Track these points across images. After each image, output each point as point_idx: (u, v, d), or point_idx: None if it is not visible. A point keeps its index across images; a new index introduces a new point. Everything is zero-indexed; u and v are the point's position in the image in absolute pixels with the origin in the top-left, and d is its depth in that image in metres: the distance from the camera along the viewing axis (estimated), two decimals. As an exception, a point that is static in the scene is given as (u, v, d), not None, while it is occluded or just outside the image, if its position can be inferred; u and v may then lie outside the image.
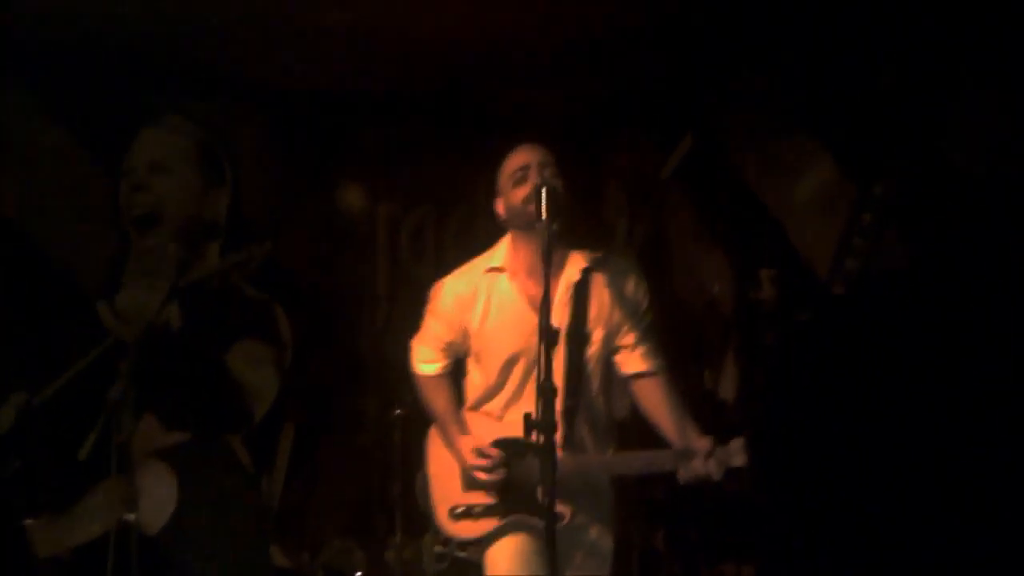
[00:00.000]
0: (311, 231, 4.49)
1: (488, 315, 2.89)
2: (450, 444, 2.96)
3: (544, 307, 2.56)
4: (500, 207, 2.92)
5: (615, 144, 5.28)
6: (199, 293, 2.73)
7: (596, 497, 2.94)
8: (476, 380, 3.01)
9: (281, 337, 2.85)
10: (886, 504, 3.56)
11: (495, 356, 2.90)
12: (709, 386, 4.48)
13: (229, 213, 3.62)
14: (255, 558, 2.60)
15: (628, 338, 2.93)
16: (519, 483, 2.86)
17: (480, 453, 2.88)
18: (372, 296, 4.54)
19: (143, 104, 3.98)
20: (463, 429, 2.97)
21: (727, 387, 4.48)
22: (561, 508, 2.70)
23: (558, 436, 2.52)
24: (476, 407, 3.01)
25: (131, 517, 2.32)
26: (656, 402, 2.91)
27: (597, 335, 2.86)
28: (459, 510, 2.90)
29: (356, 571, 3.74)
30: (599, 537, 2.92)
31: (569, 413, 2.78)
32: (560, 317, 2.73)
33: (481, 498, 2.87)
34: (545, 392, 2.50)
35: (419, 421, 3.14)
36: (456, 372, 3.09)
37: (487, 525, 2.89)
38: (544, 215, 2.60)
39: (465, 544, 3.01)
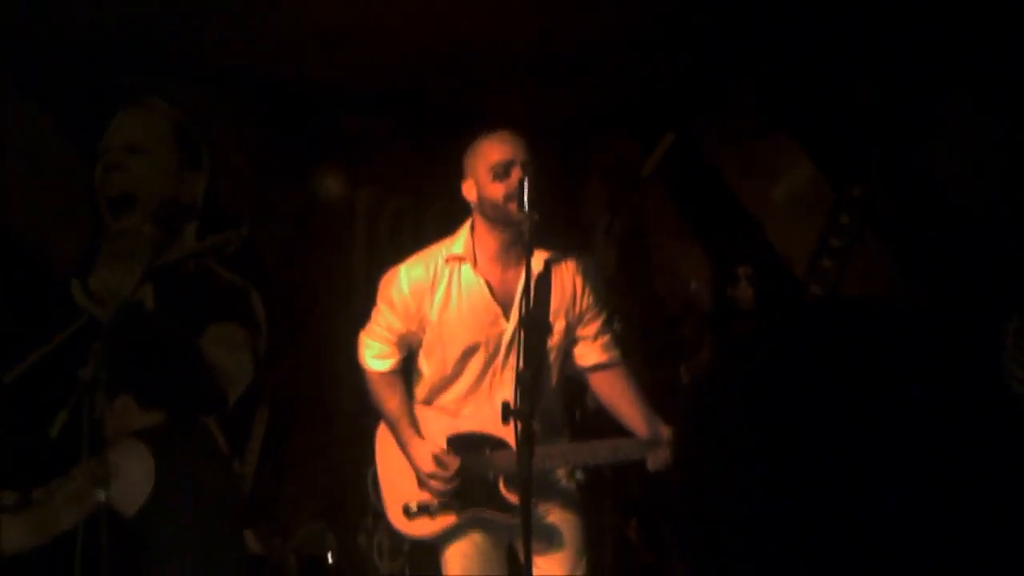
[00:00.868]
0: (288, 217, 4.45)
1: (448, 304, 2.79)
2: (404, 446, 2.83)
3: (525, 295, 2.55)
4: (471, 193, 2.79)
5: (596, 143, 5.29)
6: (174, 275, 2.70)
7: (552, 487, 2.90)
8: (427, 372, 2.88)
9: (256, 321, 2.82)
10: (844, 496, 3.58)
11: (452, 346, 2.80)
12: (685, 380, 4.50)
13: (205, 197, 3.59)
14: (229, 541, 2.58)
15: (589, 329, 2.89)
16: (477, 479, 2.77)
17: (438, 461, 2.76)
18: (348, 284, 4.52)
19: (120, 87, 3.94)
20: (417, 430, 2.83)
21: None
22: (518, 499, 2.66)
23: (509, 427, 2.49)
24: (429, 401, 2.90)
25: (102, 497, 2.29)
26: (619, 393, 2.88)
27: (559, 326, 2.84)
28: (414, 508, 2.81)
29: (327, 555, 3.71)
30: (560, 525, 2.86)
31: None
32: (523, 307, 2.71)
33: (436, 496, 2.80)
34: (523, 381, 2.49)
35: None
36: (406, 367, 2.93)
37: (443, 522, 2.80)
38: (527, 207, 2.59)
39: (419, 543, 2.91)
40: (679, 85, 4.67)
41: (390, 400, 2.87)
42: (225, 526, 2.57)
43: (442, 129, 4.71)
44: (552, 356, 2.84)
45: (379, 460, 2.95)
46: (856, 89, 4.13)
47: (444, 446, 2.84)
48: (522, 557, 2.37)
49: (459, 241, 2.83)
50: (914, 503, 3.42)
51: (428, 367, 2.90)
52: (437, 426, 2.86)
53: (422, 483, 2.80)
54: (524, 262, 2.57)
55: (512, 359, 2.74)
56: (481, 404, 2.84)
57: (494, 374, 2.82)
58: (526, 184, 2.57)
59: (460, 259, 2.81)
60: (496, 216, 2.74)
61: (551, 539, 2.83)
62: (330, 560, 3.71)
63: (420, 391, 2.93)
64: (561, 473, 2.93)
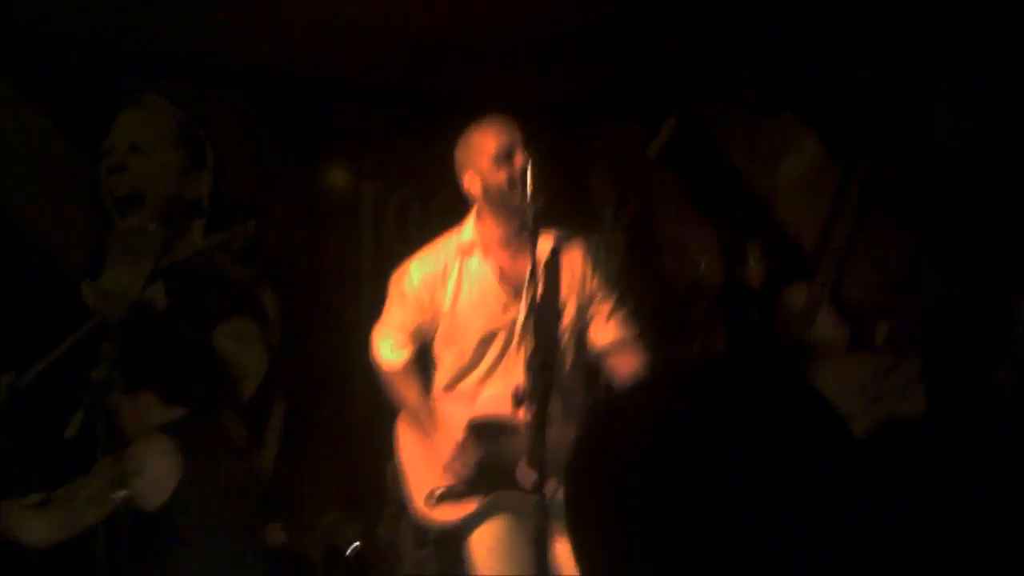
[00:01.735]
0: (294, 211, 4.44)
1: (460, 293, 2.79)
2: (428, 434, 2.85)
3: (532, 279, 2.54)
4: (474, 184, 2.77)
5: (599, 127, 5.26)
6: (183, 272, 2.71)
7: None
8: (448, 362, 2.88)
9: (267, 315, 2.85)
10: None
11: (470, 334, 2.80)
12: (697, 360, 4.49)
13: (211, 193, 3.60)
14: (250, 532, 2.59)
15: (602, 308, 2.87)
16: (498, 461, 2.80)
17: (461, 450, 2.77)
18: (357, 275, 4.51)
19: (121, 86, 3.93)
20: (435, 420, 2.86)
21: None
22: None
23: (522, 413, 2.48)
24: (450, 387, 2.90)
25: (122, 493, 2.30)
26: (634, 372, 2.84)
27: (570, 308, 2.82)
28: (439, 492, 2.81)
29: (350, 545, 3.72)
30: None
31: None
32: (532, 291, 2.70)
33: (461, 480, 2.80)
34: (534, 366, 2.48)
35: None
36: (420, 359, 2.91)
37: (467, 507, 2.80)
38: (530, 192, 2.57)
39: (445, 529, 2.88)
40: (682, 67, 4.65)
41: (408, 393, 2.88)
42: (247, 518, 2.58)
43: (444, 118, 4.69)
44: (565, 339, 2.83)
45: (401, 451, 2.95)
46: (859, 65, 4.10)
47: (463, 431, 2.84)
48: (544, 540, 2.36)
49: (466, 230, 2.83)
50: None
51: (447, 357, 2.90)
52: (458, 410, 2.87)
53: (446, 468, 2.81)
54: (531, 247, 2.56)
55: (526, 343, 2.73)
56: (497, 387, 2.84)
57: (508, 358, 2.82)
58: (528, 171, 2.56)
59: (469, 248, 2.81)
60: (503, 202, 2.73)
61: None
62: (353, 550, 3.71)
63: (440, 379, 2.93)
64: None
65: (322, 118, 4.52)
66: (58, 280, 3.23)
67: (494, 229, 2.79)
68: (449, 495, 2.80)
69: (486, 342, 2.81)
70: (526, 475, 2.73)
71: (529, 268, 2.62)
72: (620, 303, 2.91)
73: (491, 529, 2.82)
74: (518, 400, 2.47)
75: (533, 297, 2.53)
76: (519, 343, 2.79)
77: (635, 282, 4.43)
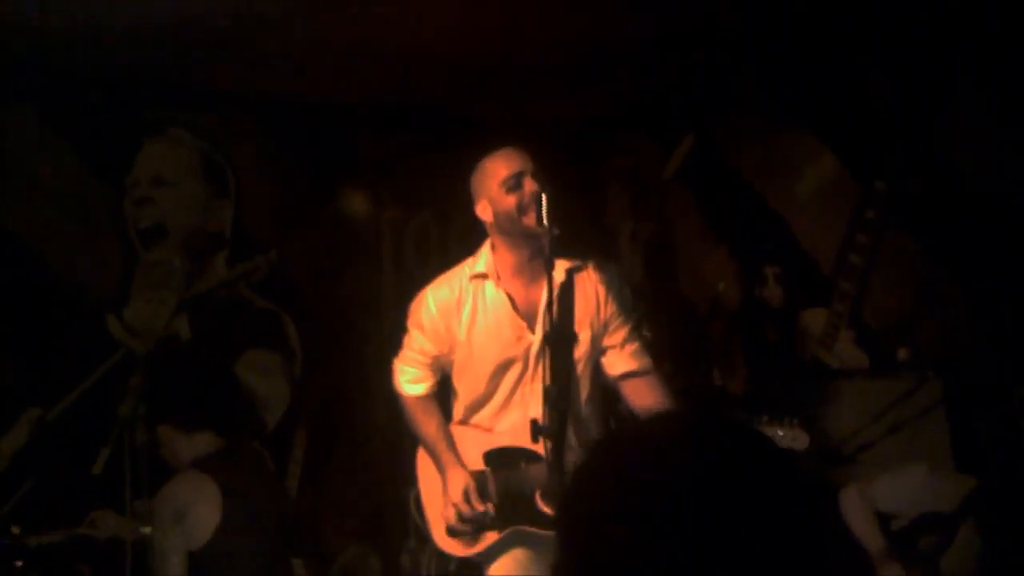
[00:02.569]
0: (315, 240, 4.47)
1: (475, 323, 2.78)
2: (442, 470, 2.81)
3: (548, 310, 2.54)
4: (486, 212, 2.78)
5: (616, 147, 5.27)
6: (207, 304, 2.75)
7: None
8: (462, 392, 2.88)
9: (290, 346, 2.87)
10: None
11: (484, 364, 2.79)
12: (718, 383, 4.47)
13: (233, 224, 3.63)
14: (281, 565, 2.60)
15: (616, 337, 2.86)
16: (515, 494, 2.73)
17: (466, 496, 2.72)
18: (378, 303, 4.54)
19: (144, 118, 3.98)
20: (456, 455, 2.81)
21: (735, 384, 4.48)
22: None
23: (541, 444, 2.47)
24: (465, 420, 2.88)
25: (147, 531, 2.33)
26: (650, 401, 2.77)
27: (584, 336, 2.80)
28: (457, 527, 2.76)
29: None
30: None
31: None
32: (547, 320, 2.70)
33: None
34: (551, 397, 2.48)
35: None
36: (441, 391, 2.90)
37: (486, 540, 2.77)
38: (546, 221, 2.59)
39: (464, 562, 2.87)
40: (697, 86, 4.66)
41: (427, 424, 2.88)
42: (278, 550, 2.59)
43: (463, 142, 4.73)
44: (580, 367, 2.84)
45: (421, 481, 2.95)
46: (874, 81, 4.10)
47: (481, 463, 2.85)
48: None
49: (481, 259, 2.85)
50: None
51: (462, 387, 2.90)
52: (473, 443, 2.86)
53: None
54: (546, 275, 2.56)
55: (540, 371, 2.73)
56: (514, 418, 2.84)
57: (524, 387, 2.83)
58: (543, 199, 2.57)
59: (483, 276, 2.82)
60: (513, 230, 2.75)
61: None
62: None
63: (456, 411, 2.94)
64: None
65: (341, 145, 4.56)
66: (84, 314, 3.27)
67: (507, 257, 2.80)
68: (465, 530, 2.81)
69: (501, 371, 2.81)
70: (544, 507, 2.74)
71: (544, 296, 2.64)
72: (634, 332, 2.91)
73: (510, 562, 2.80)
74: (536, 432, 2.46)
75: (547, 326, 2.53)
76: (534, 372, 2.80)
77: (653, 305, 4.45)
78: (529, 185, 2.71)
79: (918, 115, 3.94)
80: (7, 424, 2.86)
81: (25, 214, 3.68)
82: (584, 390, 2.84)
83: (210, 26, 3.70)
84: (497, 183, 2.75)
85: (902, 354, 3.85)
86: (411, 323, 2.90)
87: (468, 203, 2.90)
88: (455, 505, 2.75)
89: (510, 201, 2.72)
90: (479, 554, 2.81)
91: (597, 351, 2.87)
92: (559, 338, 2.59)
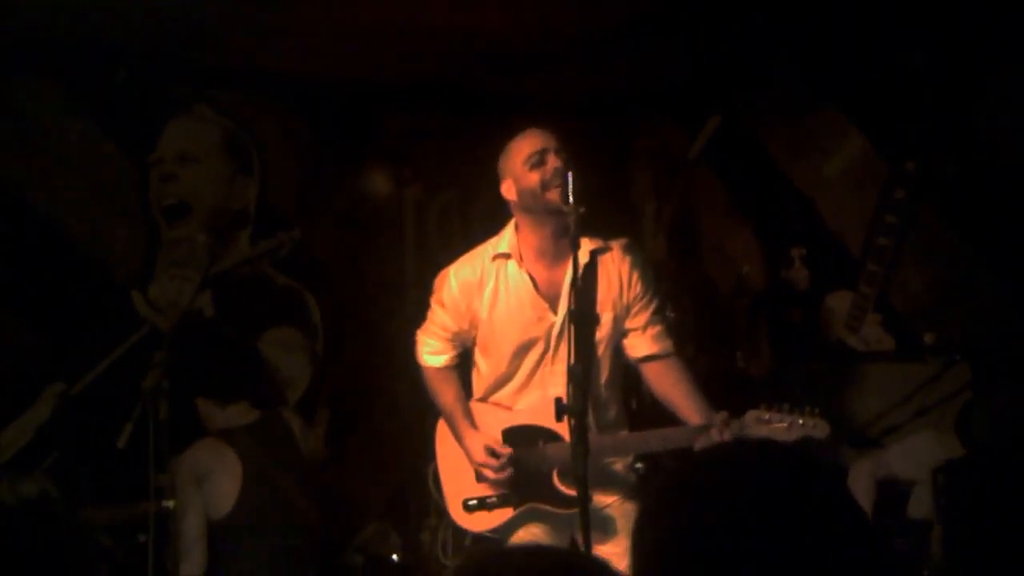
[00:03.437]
0: (338, 218, 4.47)
1: (497, 303, 2.81)
2: (459, 439, 2.86)
3: (573, 289, 2.54)
4: (511, 191, 2.81)
5: (641, 126, 5.23)
6: (230, 281, 2.76)
7: (610, 479, 2.90)
8: (484, 370, 2.92)
9: (312, 324, 2.88)
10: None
11: (505, 344, 2.83)
12: (741, 365, 4.44)
13: (257, 201, 3.64)
14: (303, 540, 2.62)
15: (639, 319, 2.86)
16: (532, 471, 2.76)
17: (490, 452, 2.76)
18: (400, 281, 4.54)
19: (169, 95, 3.99)
20: (472, 423, 2.86)
21: (759, 366, 4.45)
22: (573, 491, 2.66)
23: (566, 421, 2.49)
24: (485, 398, 2.92)
25: (169, 504, 2.34)
26: (671, 384, 2.81)
27: (606, 318, 2.81)
28: (472, 502, 2.82)
29: (392, 554, 3.76)
30: (618, 516, 2.87)
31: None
32: (572, 298, 2.71)
33: (494, 489, 2.80)
34: (575, 376, 2.48)
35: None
36: (463, 364, 2.96)
37: (501, 516, 2.82)
38: (572, 199, 2.58)
39: (479, 538, 2.92)
40: (724, 64, 4.61)
41: (446, 394, 2.92)
42: (301, 525, 2.61)
43: (487, 121, 4.71)
44: (602, 348, 2.84)
45: (439, 456, 2.99)
46: (905, 57, 4.02)
47: (499, 439, 2.86)
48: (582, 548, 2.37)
49: (504, 239, 2.86)
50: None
51: (485, 365, 2.93)
52: (493, 420, 2.89)
53: (479, 476, 2.83)
54: (570, 255, 2.56)
55: (562, 352, 2.74)
56: (534, 397, 2.86)
57: (545, 367, 2.84)
58: (570, 177, 2.57)
59: (506, 257, 2.83)
60: (536, 206, 2.76)
61: (608, 530, 2.83)
62: (395, 559, 3.75)
63: (477, 388, 2.97)
64: (619, 464, 2.93)
65: (364, 123, 4.55)
66: (109, 290, 3.29)
67: (530, 237, 2.81)
68: (481, 507, 2.82)
69: (523, 351, 2.83)
70: (561, 486, 2.75)
71: (568, 275, 2.64)
72: (657, 315, 2.90)
73: (525, 537, 2.82)
74: (561, 411, 2.47)
75: (570, 305, 2.53)
76: (555, 352, 2.81)
77: (677, 287, 4.42)
78: (552, 161, 2.72)
79: (950, 93, 3.87)
80: (31, 399, 2.90)
81: (50, 191, 3.70)
82: (604, 372, 2.85)
83: (235, 2, 3.70)
84: (521, 161, 2.77)
85: (928, 338, 3.80)
86: (434, 299, 2.94)
87: (491, 182, 2.90)
88: (480, 466, 2.79)
89: (533, 177, 2.73)
90: (494, 529, 2.85)
91: (619, 333, 2.87)
92: (583, 318, 2.59)
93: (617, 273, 2.83)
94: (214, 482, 2.49)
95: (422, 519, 3.76)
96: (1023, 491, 2.74)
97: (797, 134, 4.48)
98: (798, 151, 4.48)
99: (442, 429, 2.98)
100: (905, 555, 3.02)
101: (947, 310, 3.84)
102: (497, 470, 2.78)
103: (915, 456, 3.12)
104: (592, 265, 2.77)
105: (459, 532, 2.97)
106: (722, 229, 4.75)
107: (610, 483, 2.88)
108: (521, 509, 2.82)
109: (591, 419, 2.70)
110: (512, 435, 2.85)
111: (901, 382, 3.70)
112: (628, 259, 2.86)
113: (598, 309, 2.77)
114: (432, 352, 2.94)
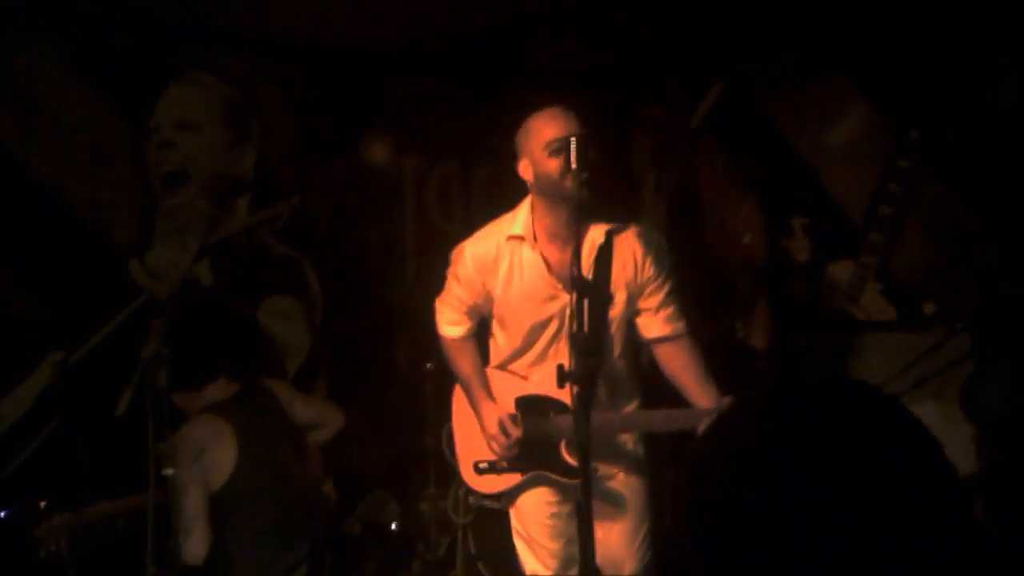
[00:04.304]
0: (338, 186, 4.45)
1: (511, 282, 2.87)
2: (475, 407, 2.95)
3: (575, 258, 2.54)
4: (528, 171, 2.81)
5: (643, 94, 5.19)
6: (229, 250, 2.75)
7: (617, 452, 2.94)
8: (501, 343, 2.99)
9: (311, 293, 2.88)
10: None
11: (520, 322, 2.89)
12: (741, 335, 4.44)
13: (256, 169, 3.62)
14: (301, 509, 2.63)
15: (651, 301, 2.90)
16: (541, 441, 2.84)
17: (502, 428, 2.84)
18: (400, 251, 4.53)
19: (168, 60, 3.96)
20: (488, 394, 2.94)
21: (758, 336, 4.45)
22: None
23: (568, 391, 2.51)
24: (503, 366, 3.00)
25: (169, 472, 2.35)
26: (680, 366, 2.85)
27: (620, 297, 2.84)
28: (483, 465, 2.92)
29: (391, 523, 3.79)
30: (624, 490, 2.92)
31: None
32: (575, 267, 2.71)
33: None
34: (579, 343, 2.48)
35: (449, 375, 3.15)
36: (482, 331, 3.03)
37: (510, 480, 2.91)
38: (574, 164, 2.57)
39: (489, 497, 3.04)
40: (729, 31, 4.56)
41: (463, 364, 2.98)
42: (298, 494, 2.62)
43: (489, 89, 4.68)
44: (614, 327, 2.87)
45: (455, 418, 3.06)
46: (911, 23, 3.98)
47: (513, 408, 2.91)
48: (591, 520, 2.39)
49: (519, 220, 2.88)
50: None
51: (502, 337, 2.99)
52: (510, 387, 2.95)
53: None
54: (584, 235, 2.57)
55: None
56: (548, 370, 2.88)
57: (560, 344, 2.87)
58: (572, 143, 2.56)
59: (520, 239, 2.84)
60: (554, 192, 2.75)
61: (614, 503, 2.88)
62: (394, 528, 3.79)
63: (495, 357, 3.03)
64: (627, 438, 2.96)
65: (365, 91, 4.52)
66: (107, 258, 3.28)
67: (545, 220, 2.82)
68: (491, 470, 2.89)
69: (538, 329, 2.87)
70: (568, 457, 2.78)
71: (583, 253, 2.65)
72: (670, 297, 2.92)
73: (531, 499, 2.90)
74: (563, 378, 2.48)
75: (579, 279, 2.53)
76: (570, 329, 2.82)
77: (677, 256, 4.40)
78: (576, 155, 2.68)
79: (956, 61, 3.83)
80: (30, 366, 2.90)
81: (49, 158, 3.68)
82: (617, 347, 2.87)
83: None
84: (541, 145, 2.75)
85: (929, 308, 3.79)
86: (450, 271, 2.99)
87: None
88: (492, 438, 2.87)
89: (552, 165, 2.72)
90: (503, 492, 2.94)
91: (632, 311, 2.89)
92: (595, 296, 2.60)
93: (632, 254, 2.85)
94: (210, 453, 2.50)
95: (421, 488, 3.80)
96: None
97: (801, 102, 4.44)
98: (802, 118, 4.44)
99: (459, 392, 3.05)
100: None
101: (949, 279, 3.83)
102: (506, 447, 2.84)
103: None
104: (608, 245, 2.77)
105: (468, 490, 3.05)
106: (724, 199, 4.73)
107: (616, 456, 2.93)
108: (529, 475, 2.89)
109: (603, 394, 2.73)
110: (525, 403, 2.91)
111: (902, 352, 3.69)
112: (644, 240, 2.87)
113: (612, 288, 2.79)
114: (449, 323, 3.00)
